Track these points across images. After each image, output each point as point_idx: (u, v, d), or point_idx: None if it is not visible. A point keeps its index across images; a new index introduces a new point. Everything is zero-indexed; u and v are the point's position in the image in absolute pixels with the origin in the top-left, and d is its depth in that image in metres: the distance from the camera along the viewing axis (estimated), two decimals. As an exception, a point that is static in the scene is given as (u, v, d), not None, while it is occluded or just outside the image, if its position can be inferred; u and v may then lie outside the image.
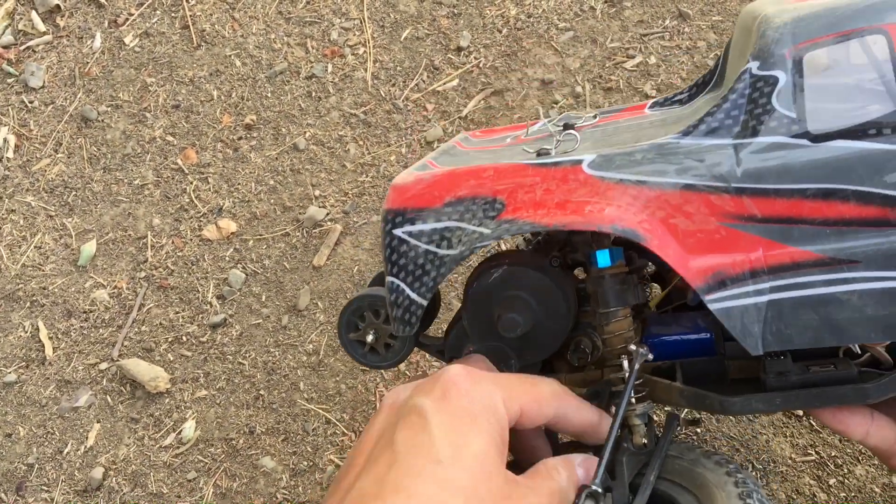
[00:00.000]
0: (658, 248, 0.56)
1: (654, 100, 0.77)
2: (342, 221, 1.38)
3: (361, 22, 1.55)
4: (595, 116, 0.77)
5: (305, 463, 1.21)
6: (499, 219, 0.61)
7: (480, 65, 1.46)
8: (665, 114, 0.73)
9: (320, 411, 1.24)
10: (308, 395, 1.26)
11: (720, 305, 0.56)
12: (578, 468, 0.55)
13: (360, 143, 1.45)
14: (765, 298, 0.56)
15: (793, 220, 0.55)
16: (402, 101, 1.46)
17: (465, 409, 0.46)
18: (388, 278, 0.65)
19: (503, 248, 1.27)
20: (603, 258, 0.64)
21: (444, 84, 1.46)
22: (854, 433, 0.58)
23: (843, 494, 1.07)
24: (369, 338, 0.71)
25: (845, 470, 1.08)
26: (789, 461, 1.09)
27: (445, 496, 0.41)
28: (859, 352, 0.61)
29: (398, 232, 0.63)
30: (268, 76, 1.54)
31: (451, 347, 0.74)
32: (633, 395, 0.62)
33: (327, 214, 1.39)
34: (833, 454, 1.09)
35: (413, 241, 0.63)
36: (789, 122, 0.54)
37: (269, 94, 1.52)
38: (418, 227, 0.63)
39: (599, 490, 0.57)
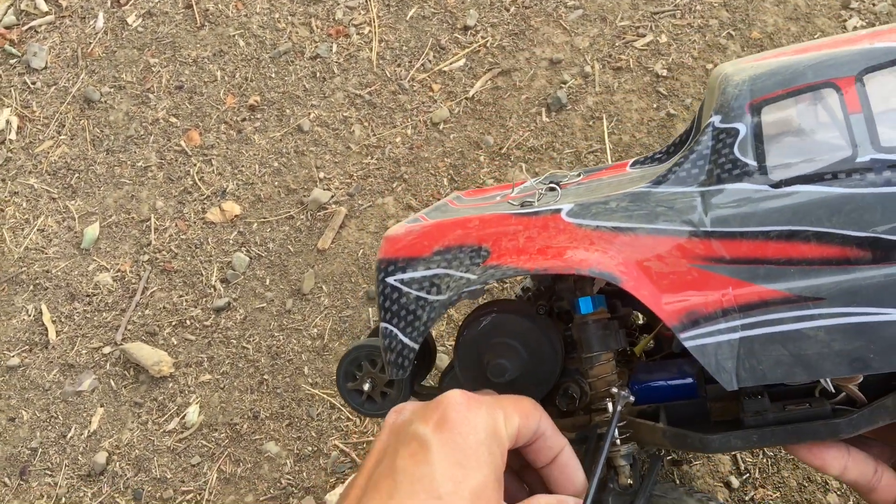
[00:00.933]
0: (634, 290, 0.59)
1: (635, 159, 0.80)
2: (347, 204, 1.36)
3: (367, 0, 1.52)
4: (579, 175, 0.80)
5: (310, 448, 1.20)
6: (484, 265, 0.65)
7: (487, 44, 1.44)
8: (644, 171, 0.76)
9: (325, 396, 1.23)
10: (312, 380, 1.25)
11: (694, 343, 0.59)
12: None
13: (366, 124, 1.42)
14: (737, 335, 0.58)
15: (759, 260, 0.58)
16: (408, 81, 1.44)
17: (466, 439, 0.46)
18: (382, 324, 0.69)
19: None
20: (585, 305, 0.67)
21: (451, 64, 1.44)
22: (831, 468, 0.59)
23: (855, 482, 1.05)
24: (366, 386, 0.74)
25: (858, 458, 1.06)
26: (801, 448, 1.07)
27: None
28: (833, 391, 0.62)
29: (391, 280, 0.67)
30: (272, 56, 1.52)
31: (444, 390, 0.75)
32: (617, 436, 0.65)
33: (332, 197, 1.37)
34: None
35: (405, 289, 0.67)
36: (750, 170, 0.58)
37: (273, 75, 1.50)
38: (409, 274, 0.67)
39: None
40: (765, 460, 1.06)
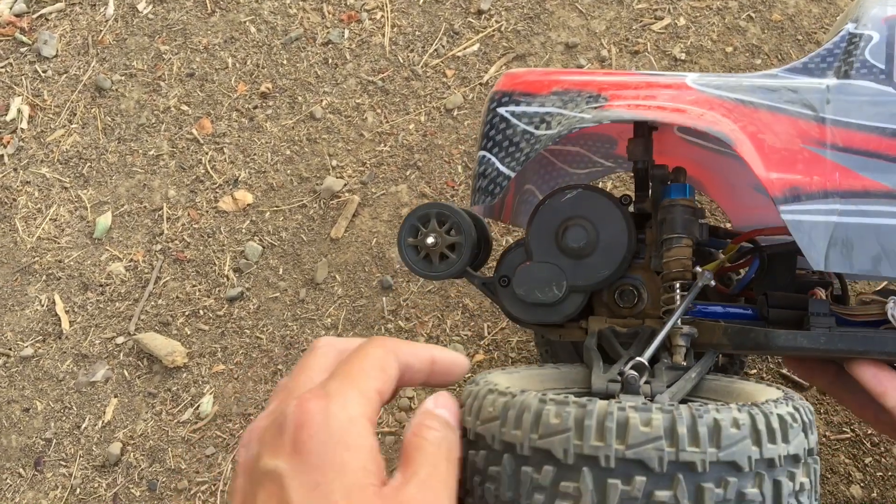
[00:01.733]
0: (745, 154, 0.62)
1: None
2: (360, 192, 1.35)
3: (379, -15, 1.50)
4: None
5: (324, 439, 1.19)
6: (601, 108, 0.67)
7: (502, 28, 1.41)
8: None
9: (339, 386, 1.22)
10: (326, 370, 1.24)
11: (793, 217, 0.62)
12: (438, 409, 0.50)
13: (378, 111, 1.40)
14: (834, 219, 0.62)
15: (870, 153, 0.61)
16: (421, 67, 1.42)
17: (325, 457, 0.41)
18: (480, 152, 0.72)
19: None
20: (678, 190, 0.69)
21: (465, 49, 1.41)
22: (890, 398, 0.59)
23: (879, 474, 1.03)
24: (430, 239, 0.75)
25: (882, 448, 1.04)
26: (823, 439, 1.05)
27: None
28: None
29: (502, 110, 0.71)
30: (283, 43, 1.50)
31: (506, 265, 0.78)
32: (682, 317, 0.66)
33: (345, 185, 1.35)
34: (869, 432, 1.05)
35: (514, 120, 0.70)
36: (878, 72, 0.63)
37: (284, 62, 1.48)
38: (522, 108, 0.70)
39: (645, 363, 0.59)
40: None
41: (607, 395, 0.59)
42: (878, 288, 1.06)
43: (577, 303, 0.74)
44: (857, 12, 0.67)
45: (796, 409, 0.48)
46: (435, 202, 0.76)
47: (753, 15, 1.31)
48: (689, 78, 0.67)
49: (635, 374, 0.56)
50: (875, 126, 0.62)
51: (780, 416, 0.46)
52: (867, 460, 1.04)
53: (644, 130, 0.75)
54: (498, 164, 0.70)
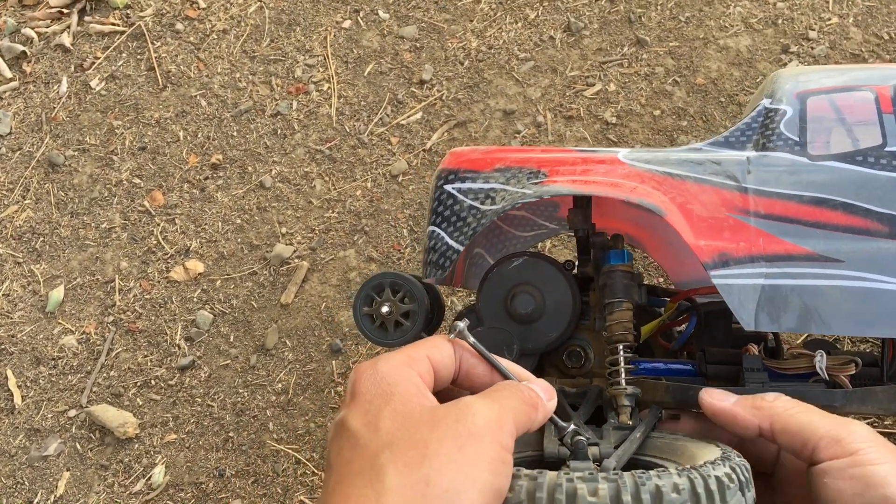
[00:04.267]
0: (675, 223, 0.67)
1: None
2: (309, 258, 1.38)
3: (325, 58, 1.56)
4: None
5: (276, 505, 1.20)
6: (541, 184, 0.72)
7: (443, 97, 1.47)
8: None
9: (290, 451, 1.24)
10: (278, 436, 1.25)
11: (723, 281, 0.66)
12: (532, 384, 0.54)
13: (326, 178, 1.45)
14: (761, 281, 0.66)
15: (790, 219, 0.66)
16: (367, 135, 1.47)
17: (374, 392, 0.48)
18: (430, 228, 0.75)
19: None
20: (616, 256, 0.73)
21: (408, 117, 1.47)
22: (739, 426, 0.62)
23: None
24: (384, 308, 0.78)
25: None
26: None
27: (376, 480, 0.43)
28: (827, 378, 0.69)
29: (448, 187, 0.75)
30: (233, 115, 1.54)
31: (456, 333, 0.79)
32: (623, 377, 0.69)
33: (294, 251, 1.39)
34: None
35: (460, 197, 0.74)
36: (793, 144, 0.68)
37: (234, 133, 1.53)
38: (467, 185, 0.74)
39: (586, 437, 0.61)
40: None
41: (559, 459, 0.62)
42: (807, 339, 1.10)
43: (528, 365, 0.77)
44: (771, 87, 0.72)
45: (733, 468, 0.50)
46: (388, 272, 0.80)
47: (679, 80, 1.38)
48: (621, 153, 0.71)
49: (583, 439, 0.58)
50: (793, 194, 0.66)
51: (717, 478, 0.48)
52: None
53: (583, 201, 0.80)
54: (447, 239, 0.74)
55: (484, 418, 0.47)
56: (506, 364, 0.55)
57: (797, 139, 0.68)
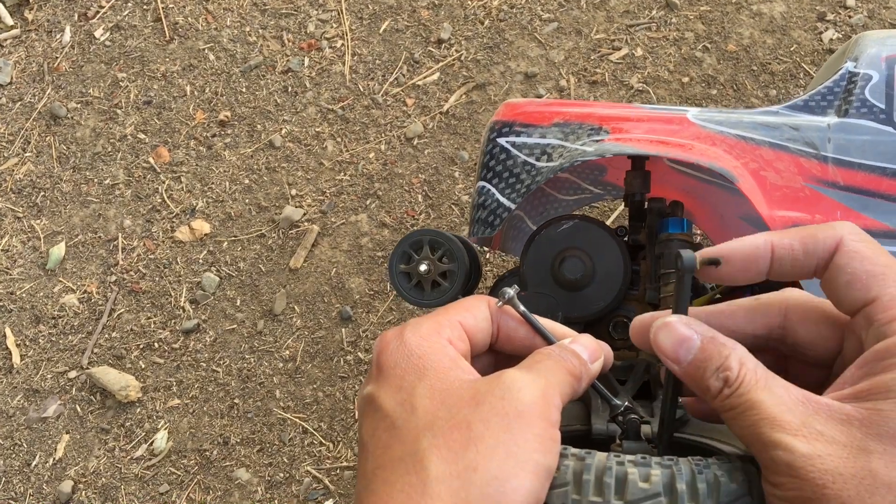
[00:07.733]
0: (747, 191, 0.63)
1: None
2: (319, 222, 1.33)
3: (339, 13, 1.50)
4: None
5: (281, 475, 1.17)
6: (603, 142, 0.67)
7: (462, 58, 1.41)
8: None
9: (297, 420, 1.20)
10: (284, 404, 1.22)
11: None
12: (574, 345, 0.49)
13: (338, 139, 1.40)
14: None
15: (871, 192, 0.63)
16: (382, 95, 1.41)
17: (405, 366, 0.45)
18: (480, 183, 0.70)
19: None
20: (675, 224, 0.69)
21: (425, 78, 1.41)
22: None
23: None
24: (422, 267, 0.73)
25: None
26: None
27: (414, 460, 0.40)
28: None
29: (502, 141, 0.70)
30: (242, 70, 1.49)
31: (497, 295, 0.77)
32: None
33: (304, 214, 1.34)
34: None
35: (514, 151, 0.69)
36: (878, 112, 0.64)
37: (243, 90, 1.47)
38: (522, 139, 0.69)
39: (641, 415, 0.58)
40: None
41: (608, 437, 0.59)
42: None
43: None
44: (855, 51, 0.67)
45: None
46: (427, 228, 0.77)
47: (709, 46, 1.33)
48: (691, 113, 0.67)
49: (636, 418, 0.56)
50: (876, 165, 0.63)
51: None
52: None
53: (642, 163, 0.75)
54: (498, 196, 0.70)
55: (531, 395, 0.43)
56: (548, 324, 0.52)
57: (883, 107, 0.64)
